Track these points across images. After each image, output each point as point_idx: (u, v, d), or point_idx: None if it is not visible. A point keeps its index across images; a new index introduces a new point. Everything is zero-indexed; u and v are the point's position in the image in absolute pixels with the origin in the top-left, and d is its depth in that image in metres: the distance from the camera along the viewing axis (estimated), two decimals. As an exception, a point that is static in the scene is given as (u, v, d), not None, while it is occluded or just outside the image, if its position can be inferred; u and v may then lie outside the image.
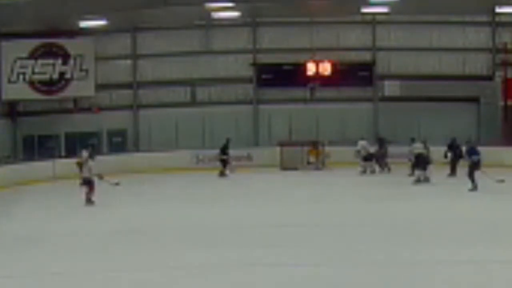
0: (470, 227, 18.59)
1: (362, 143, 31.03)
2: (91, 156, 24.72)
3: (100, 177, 23.81)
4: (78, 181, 24.39)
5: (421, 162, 27.28)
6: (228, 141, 31.56)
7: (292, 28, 36.05)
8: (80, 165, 26.03)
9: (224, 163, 31.30)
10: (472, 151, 24.98)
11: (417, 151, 27.73)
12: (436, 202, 23.09)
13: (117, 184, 24.40)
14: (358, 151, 30.92)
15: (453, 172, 28.99)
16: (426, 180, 26.96)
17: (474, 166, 24.58)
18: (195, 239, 18.09)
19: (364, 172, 30.47)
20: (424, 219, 19.99)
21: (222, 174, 31.05)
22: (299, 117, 35.53)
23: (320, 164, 32.86)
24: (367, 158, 30.69)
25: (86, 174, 23.76)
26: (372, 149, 31.09)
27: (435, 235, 17.72)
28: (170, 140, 34.97)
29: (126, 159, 33.31)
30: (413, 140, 28.91)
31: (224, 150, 31.43)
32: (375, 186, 27.72)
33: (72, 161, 28.64)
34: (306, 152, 33.16)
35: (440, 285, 13.43)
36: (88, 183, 23.61)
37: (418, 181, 26.86)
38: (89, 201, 23.57)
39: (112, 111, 35.84)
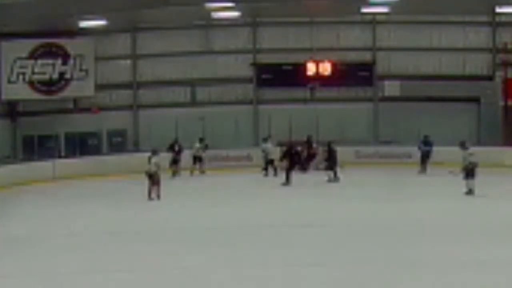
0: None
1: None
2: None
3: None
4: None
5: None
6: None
7: (292, 28, 36.04)
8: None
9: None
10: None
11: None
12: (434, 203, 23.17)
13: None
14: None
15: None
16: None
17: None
18: (194, 239, 18.11)
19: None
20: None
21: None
22: (299, 117, 35.46)
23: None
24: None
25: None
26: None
27: (433, 235, 17.82)
28: (170, 140, 34.87)
29: (126, 159, 33.25)
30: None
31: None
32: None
33: (72, 161, 28.58)
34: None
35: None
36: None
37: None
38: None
39: (112, 111, 35.80)
